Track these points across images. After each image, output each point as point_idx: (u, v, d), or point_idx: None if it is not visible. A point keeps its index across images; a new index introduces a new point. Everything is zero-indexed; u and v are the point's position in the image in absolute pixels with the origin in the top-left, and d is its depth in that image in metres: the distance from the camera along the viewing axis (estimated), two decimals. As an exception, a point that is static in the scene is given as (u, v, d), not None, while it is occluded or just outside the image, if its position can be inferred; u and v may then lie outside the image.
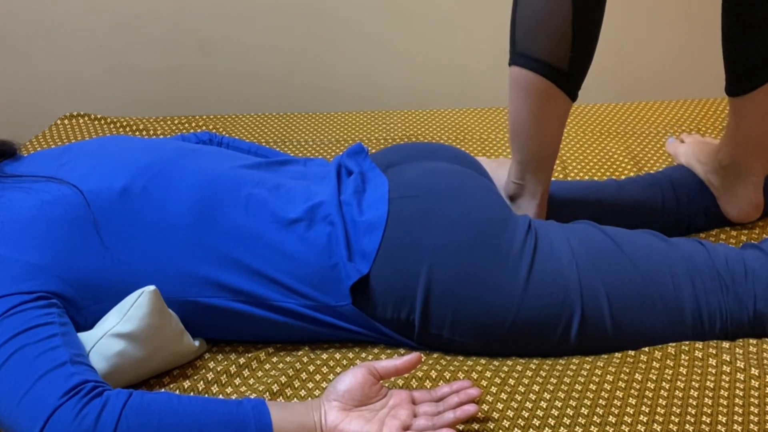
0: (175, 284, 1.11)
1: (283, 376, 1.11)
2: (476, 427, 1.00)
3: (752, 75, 1.33)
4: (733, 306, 1.16)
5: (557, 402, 1.03)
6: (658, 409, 1.01)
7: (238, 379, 1.12)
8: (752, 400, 1.03)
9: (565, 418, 1.00)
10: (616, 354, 1.14)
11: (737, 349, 1.13)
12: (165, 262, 1.11)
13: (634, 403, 1.02)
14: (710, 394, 1.04)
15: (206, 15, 2.51)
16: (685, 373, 1.08)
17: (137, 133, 1.97)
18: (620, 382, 1.06)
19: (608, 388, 1.05)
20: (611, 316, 1.13)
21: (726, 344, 1.15)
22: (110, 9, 2.49)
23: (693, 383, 1.06)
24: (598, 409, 1.02)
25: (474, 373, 1.10)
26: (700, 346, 1.13)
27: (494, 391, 1.06)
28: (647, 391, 1.04)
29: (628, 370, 1.08)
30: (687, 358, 1.10)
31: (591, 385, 1.06)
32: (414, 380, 1.08)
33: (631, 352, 1.13)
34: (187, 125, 2.02)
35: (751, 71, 1.33)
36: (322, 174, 1.27)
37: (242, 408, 0.95)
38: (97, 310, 1.08)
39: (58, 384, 0.92)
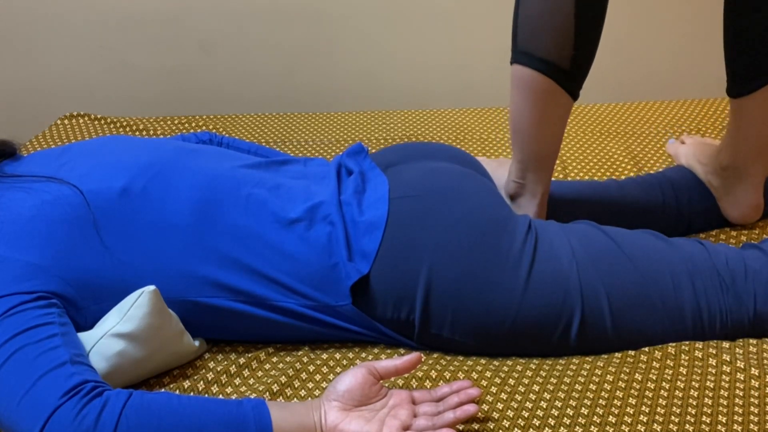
0: (175, 284, 1.11)
1: (283, 376, 1.11)
2: (476, 427, 1.00)
3: (754, 76, 1.33)
4: (733, 306, 1.16)
5: (557, 402, 1.03)
6: (658, 409, 1.01)
7: (238, 379, 1.12)
8: (752, 400, 1.03)
9: (565, 418, 1.00)
10: (616, 354, 1.14)
11: (737, 349, 1.13)
12: (165, 262, 1.11)
13: (634, 403, 1.02)
14: (710, 394, 1.04)
15: (206, 15, 2.51)
16: (685, 373, 1.08)
17: (137, 133, 1.97)
18: (620, 382, 1.06)
19: (608, 388, 1.05)
20: (611, 316, 1.13)
21: (726, 344, 1.15)
22: (110, 9, 2.49)
23: (693, 383, 1.06)
24: (598, 409, 1.02)
25: (474, 373, 1.10)
26: (700, 346, 1.13)
27: (494, 391, 1.06)
28: (647, 391, 1.04)
29: (628, 370, 1.08)
30: (687, 358, 1.10)
31: (591, 385, 1.06)
32: (414, 380, 1.08)
33: (631, 352, 1.13)
34: (187, 125, 2.02)
35: (752, 72, 1.33)
36: (322, 174, 1.27)
37: (242, 408, 0.95)
38: (97, 310, 1.08)
39: (58, 384, 0.92)
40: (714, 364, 1.09)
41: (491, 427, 1.00)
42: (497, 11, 2.19)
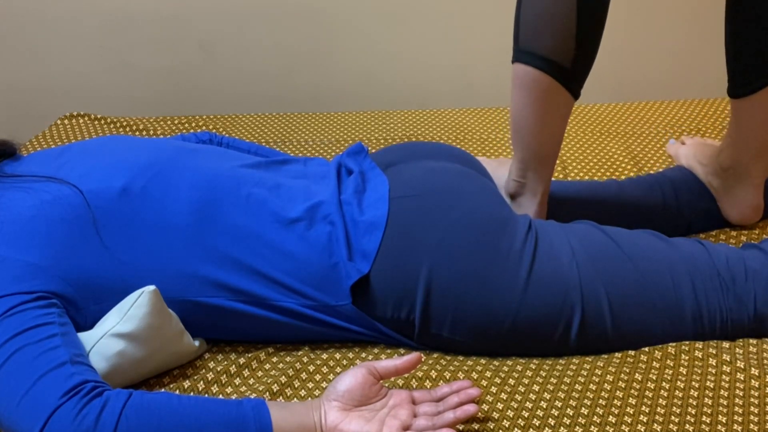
0: (175, 284, 1.11)
1: (283, 376, 1.11)
2: (476, 427, 1.00)
3: (754, 77, 1.33)
4: (733, 306, 1.16)
5: (557, 402, 1.03)
6: (658, 409, 1.01)
7: (238, 379, 1.12)
8: (752, 400, 1.03)
9: (565, 418, 1.00)
10: (616, 354, 1.14)
11: (737, 349, 1.13)
12: (165, 262, 1.11)
13: (634, 403, 1.02)
14: (710, 394, 1.04)
15: (206, 15, 2.51)
16: (685, 373, 1.08)
17: (137, 133, 1.97)
18: (620, 382, 1.06)
19: (608, 388, 1.05)
20: (611, 315, 1.13)
21: (726, 344, 1.15)
22: (110, 9, 2.49)
23: (693, 383, 1.06)
24: (598, 409, 1.02)
25: (474, 373, 1.10)
26: (700, 346, 1.13)
27: (494, 391, 1.06)
28: (647, 391, 1.04)
29: (628, 370, 1.08)
30: (687, 358, 1.10)
31: (591, 385, 1.06)
32: (414, 380, 1.08)
33: (631, 352, 1.13)
34: (187, 125, 2.02)
35: (753, 73, 1.33)
36: (322, 173, 1.27)
37: (242, 408, 0.95)
38: (97, 310, 1.08)
39: (58, 384, 0.92)
40: (714, 364, 1.09)
41: (491, 427, 1.00)
42: (497, 11, 2.20)
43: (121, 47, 2.54)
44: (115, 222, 1.10)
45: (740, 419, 1.00)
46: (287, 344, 1.20)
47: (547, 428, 0.99)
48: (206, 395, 1.08)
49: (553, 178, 1.44)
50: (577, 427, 0.99)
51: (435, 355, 1.16)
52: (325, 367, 1.14)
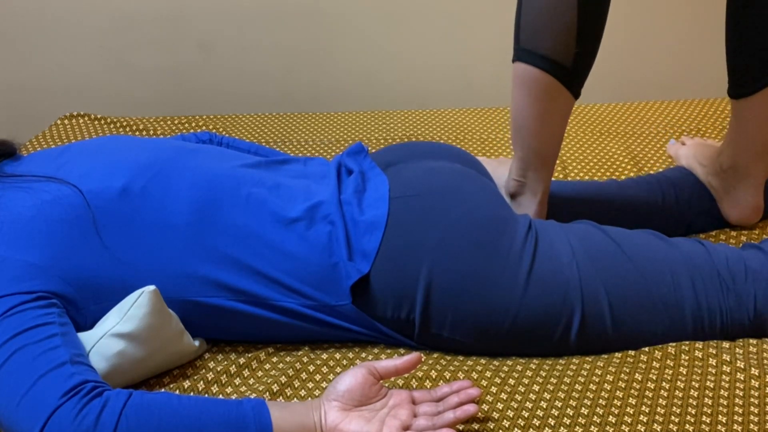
0: (175, 284, 1.11)
1: (283, 376, 1.11)
2: (476, 427, 1.00)
3: (755, 77, 1.33)
4: (733, 306, 1.16)
5: (557, 402, 1.03)
6: (658, 409, 1.01)
7: (238, 379, 1.12)
8: (752, 400, 1.03)
9: (565, 418, 1.00)
10: (616, 354, 1.14)
11: (737, 349, 1.13)
12: (165, 262, 1.11)
13: (634, 403, 1.02)
14: (710, 394, 1.04)
15: (206, 15, 2.51)
16: (685, 373, 1.08)
17: (137, 133, 1.97)
18: (620, 382, 1.06)
19: (608, 388, 1.05)
20: (611, 315, 1.13)
21: (726, 344, 1.15)
22: (110, 9, 2.49)
23: (693, 383, 1.06)
24: (598, 409, 1.02)
25: (474, 373, 1.10)
26: (700, 346, 1.13)
27: (494, 391, 1.06)
28: (647, 391, 1.04)
29: (628, 370, 1.08)
30: (687, 358, 1.10)
31: (591, 385, 1.06)
32: (414, 380, 1.08)
33: (631, 352, 1.13)
34: (187, 125, 2.02)
35: (753, 73, 1.33)
36: (322, 173, 1.27)
37: (242, 408, 0.95)
38: (97, 310, 1.08)
39: (58, 384, 0.92)
40: (714, 364, 1.09)
41: (491, 427, 1.00)
42: (497, 11, 2.20)
43: (121, 47, 2.54)
44: (115, 222, 1.10)
45: (740, 419, 1.00)
46: (287, 344, 1.20)
47: (547, 428, 0.99)
48: (206, 395, 1.08)
49: (553, 178, 1.44)
50: (577, 427, 0.99)
51: (435, 355, 1.16)
52: (325, 367, 1.14)
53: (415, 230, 1.15)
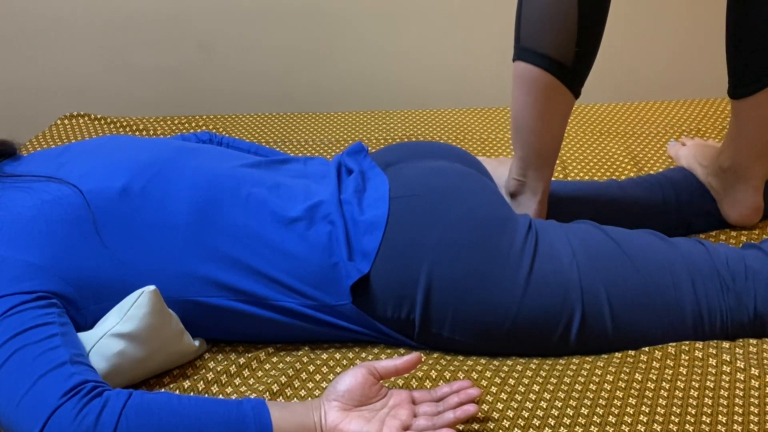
0: (175, 284, 1.11)
1: (283, 376, 1.11)
2: (476, 427, 1.00)
3: (755, 78, 1.33)
4: (733, 306, 1.16)
5: (557, 402, 1.03)
6: (658, 409, 1.01)
7: (238, 379, 1.12)
8: (752, 400, 1.03)
9: (565, 418, 1.00)
10: (616, 354, 1.14)
11: (737, 349, 1.13)
12: (165, 262, 1.11)
13: (634, 403, 1.02)
14: (710, 394, 1.04)
15: (206, 15, 2.51)
16: (685, 373, 1.08)
17: (137, 133, 1.97)
18: (620, 382, 1.06)
19: (608, 388, 1.05)
20: (611, 315, 1.13)
21: (726, 344, 1.15)
22: (110, 9, 2.49)
23: (693, 383, 1.06)
24: (598, 409, 1.02)
25: (474, 373, 1.10)
26: (700, 346, 1.13)
27: (494, 391, 1.06)
28: (647, 391, 1.04)
29: (628, 370, 1.08)
30: (687, 358, 1.10)
31: (591, 385, 1.06)
32: (414, 380, 1.08)
33: (631, 352, 1.13)
34: (187, 125, 2.02)
35: (754, 74, 1.33)
36: (322, 173, 1.27)
37: (242, 408, 0.95)
38: (97, 310, 1.08)
39: (58, 384, 0.92)
40: (714, 364, 1.09)
41: (491, 427, 1.00)
42: (497, 11, 2.20)
43: (121, 47, 2.54)
44: (115, 222, 1.10)
45: (740, 419, 1.00)
46: (287, 344, 1.20)
47: (547, 428, 0.99)
48: (206, 395, 1.08)
49: (553, 178, 1.44)
50: (577, 427, 0.99)
51: (435, 355, 1.16)
52: (325, 367, 1.14)
53: (416, 230, 1.15)
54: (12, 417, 0.92)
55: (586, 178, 1.72)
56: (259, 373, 1.13)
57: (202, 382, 1.10)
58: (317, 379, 1.11)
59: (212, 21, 2.51)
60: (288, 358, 1.16)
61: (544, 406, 1.02)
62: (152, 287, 1.07)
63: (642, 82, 2.58)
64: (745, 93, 1.36)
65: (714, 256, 1.19)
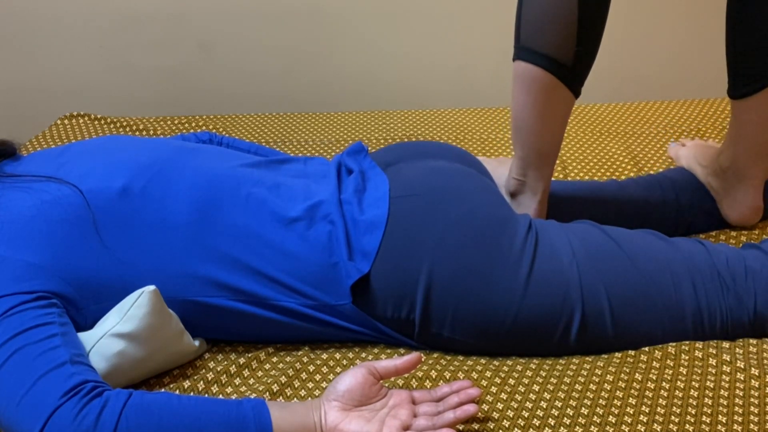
0: (175, 284, 1.11)
1: (283, 376, 1.11)
2: (476, 427, 1.00)
3: (755, 78, 1.33)
4: (733, 306, 1.16)
5: (557, 402, 1.03)
6: (658, 409, 1.01)
7: (238, 379, 1.12)
8: (752, 400, 1.03)
9: (565, 418, 1.00)
10: (616, 354, 1.14)
11: (737, 349, 1.13)
12: (165, 262, 1.11)
13: (634, 403, 1.02)
14: (710, 394, 1.04)
15: (206, 15, 2.51)
16: (685, 373, 1.08)
17: (137, 133, 1.97)
18: (620, 382, 1.06)
19: (608, 388, 1.05)
20: (611, 315, 1.13)
21: (726, 344, 1.15)
22: (110, 9, 2.49)
23: (693, 383, 1.06)
24: (598, 409, 1.02)
25: (474, 373, 1.10)
26: (700, 346, 1.13)
27: (494, 391, 1.06)
28: (647, 391, 1.04)
29: (628, 370, 1.08)
30: (687, 358, 1.10)
31: (591, 385, 1.06)
32: (414, 380, 1.08)
33: (631, 352, 1.13)
34: (187, 125, 2.02)
35: (754, 74, 1.33)
36: (322, 173, 1.27)
37: (242, 408, 0.95)
38: (97, 310, 1.08)
39: (58, 384, 0.92)
40: (714, 364, 1.09)
41: (491, 427, 1.00)
42: (497, 11, 2.20)
43: (121, 47, 2.54)
44: (115, 222, 1.10)
45: (740, 419, 1.00)
46: (287, 344, 1.20)
47: (547, 428, 0.99)
48: (206, 395, 1.08)
49: (553, 178, 1.44)
50: (577, 427, 0.99)
51: (435, 355, 1.16)
52: (325, 367, 1.14)
53: (416, 230, 1.15)
54: (12, 417, 0.92)
55: (586, 178, 1.72)
56: (259, 373, 1.13)
57: (202, 382, 1.10)
58: (317, 379, 1.11)
59: (212, 21, 2.51)
60: (288, 358, 1.16)
61: (544, 406, 1.02)
62: (152, 287, 1.07)
63: (642, 82, 2.58)
64: (745, 93, 1.36)
65: (714, 256, 1.19)
